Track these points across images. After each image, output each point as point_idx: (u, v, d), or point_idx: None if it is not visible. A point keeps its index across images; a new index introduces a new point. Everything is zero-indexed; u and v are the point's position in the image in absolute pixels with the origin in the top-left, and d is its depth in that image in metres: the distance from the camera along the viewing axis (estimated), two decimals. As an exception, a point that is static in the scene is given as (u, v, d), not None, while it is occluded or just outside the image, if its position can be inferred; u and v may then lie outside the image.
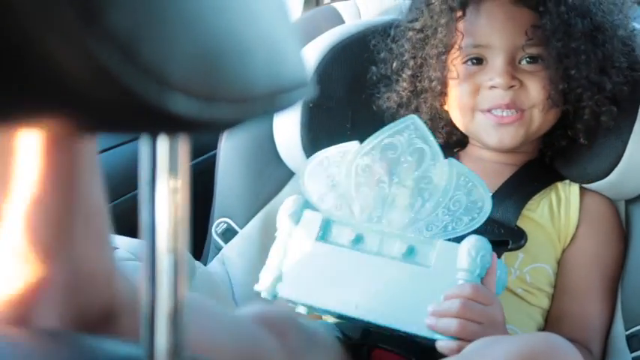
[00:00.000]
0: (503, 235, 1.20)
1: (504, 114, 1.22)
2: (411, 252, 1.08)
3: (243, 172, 1.44)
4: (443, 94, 1.29)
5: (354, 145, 1.15)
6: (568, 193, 1.28)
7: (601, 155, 1.29)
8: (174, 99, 0.29)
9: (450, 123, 1.33)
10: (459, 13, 1.26)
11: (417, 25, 1.31)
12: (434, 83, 1.28)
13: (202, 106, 0.31)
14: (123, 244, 1.15)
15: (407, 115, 1.32)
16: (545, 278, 1.23)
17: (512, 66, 1.22)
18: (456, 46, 1.26)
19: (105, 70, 0.27)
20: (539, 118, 1.23)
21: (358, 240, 1.11)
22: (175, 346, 0.43)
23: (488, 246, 1.04)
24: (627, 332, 1.22)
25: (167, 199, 0.41)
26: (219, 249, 1.44)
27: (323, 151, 1.18)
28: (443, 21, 1.26)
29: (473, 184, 1.09)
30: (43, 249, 0.54)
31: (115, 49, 0.27)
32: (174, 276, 0.43)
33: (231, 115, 0.32)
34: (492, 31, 1.23)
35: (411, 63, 1.31)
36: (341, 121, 1.38)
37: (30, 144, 0.51)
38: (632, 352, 1.20)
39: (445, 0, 1.26)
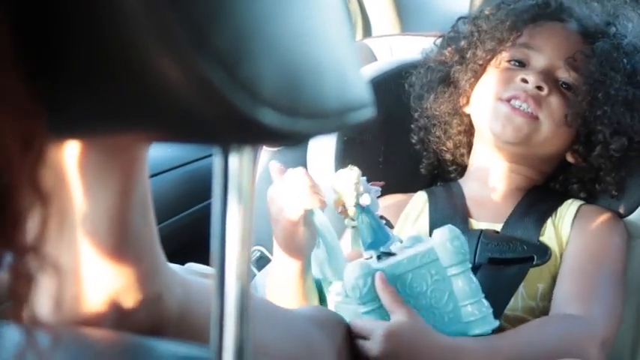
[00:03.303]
0: (527, 252, 1.23)
1: (521, 107, 1.26)
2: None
3: (277, 202, 1.48)
4: (472, 81, 1.35)
5: None
6: (566, 210, 1.30)
7: (627, 194, 1.33)
8: (264, 112, 0.33)
9: (464, 135, 1.39)
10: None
11: (483, 24, 1.37)
12: (471, 66, 1.35)
13: (285, 120, 0.35)
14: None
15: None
16: None
17: (549, 75, 1.28)
18: (507, 44, 1.33)
19: (210, 84, 0.31)
20: (549, 131, 1.27)
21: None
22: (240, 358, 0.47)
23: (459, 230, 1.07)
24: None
25: (237, 215, 0.44)
26: (252, 276, 1.47)
27: None
28: (509, 21, 1.34)
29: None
30: (107, 245, 0.57)
31: (219, 66, 0.31)
32: (240, 294, 0.46)
33: (308, 129, 0.37)
34: (548, 40, 1.31)
35: (461, 43, 1.38)
36: (373, 155, 1.42)
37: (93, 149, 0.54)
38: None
39: (526, 10, 1.35)
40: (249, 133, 0.34)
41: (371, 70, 1.48)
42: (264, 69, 0.34)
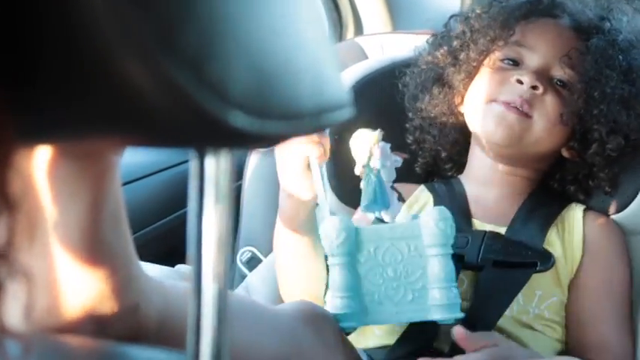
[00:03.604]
0: (531, 257, 1.22)
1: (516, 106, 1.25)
2: None
3: (267, 202, 1.47)
4: (465, 81, 1.34)
5: None
6: (572, 221, 1.30)
7: (620, 190, 1.32)
8: (233, 114, 0.32)
9: (460, 133, 1.37)
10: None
11: (475, 22, 1.36)
12: (464, 67, 1.34)
13: (257, 122, 0.34)
14: (152, 271, 1.18)
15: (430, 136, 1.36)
16: (561, 309, 1.25)
17: (544, 74, 1.27)
18: (499, 42, 1.31)
19: (176, 87, 0.30)
20: (543, 130, 1.26)
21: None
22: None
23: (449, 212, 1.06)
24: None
25: (213, 217, 0.43)
26: (243, 277, 1.46)
27: None
28: (501, 19, 1.32)
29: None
30: (79, 256, 0.57)
31: (185, 67, 0.30)
32: (218, 298, 0.45)
33: (282, 130, 0.36)
34: (541, 38, 1.30)
35: (454, 42, 1.37)
36: (364, 153, 1.41)
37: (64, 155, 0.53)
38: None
39: (517, 8, 1.34)
40: (219, 136, 0.33)
41: (362, 69, 1.48)
42: (234, 69, 0.33)
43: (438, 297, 1.03)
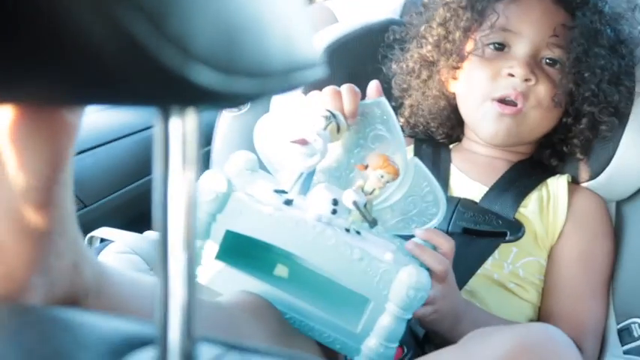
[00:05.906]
0: (501, 227, 1.22)
1: (510, 104, 1.24)
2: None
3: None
4: (454, 70, 1.32)
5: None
6: (556, 188, 1.30)
7: (592, 157, 1.32)
8: (197, 70, 0.30)
9: (452, 111, 1.36)
10: None
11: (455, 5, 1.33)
12: (452, 57, 1.31)
13: (223, 79, 0.32)
14: (120, 237, 1.17)
15: (413, 101, 1.35)
16: (537, 271, 1.25)
17: (534, 60, 1.25)
18: (484, 27, 1.29)
19: (133, 39, 0.28)
20: (537, 118, 1.26)
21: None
22: (188, 330, 0.44)
23: (429, 283, 0.93)
24: (618, 326, 1.24)
25: (180, 182, 0.42)
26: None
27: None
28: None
29: (431, 190, 1.02)
30: (32, 217, 0.56)
31: (143, 19, 0.28)
32: (187, 265, 0.44)
33: (249, 89, 0.34)
34: (526, 20, 1.27)
35: (437, 31, 1.34)
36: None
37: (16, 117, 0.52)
38: (623, 345, 1.22)
39: None
40: (182, 93, 0.31)
41: (333, 32, 1.46)
42: (197, 22, 0.31)
43: (372, 347, 0.95)
